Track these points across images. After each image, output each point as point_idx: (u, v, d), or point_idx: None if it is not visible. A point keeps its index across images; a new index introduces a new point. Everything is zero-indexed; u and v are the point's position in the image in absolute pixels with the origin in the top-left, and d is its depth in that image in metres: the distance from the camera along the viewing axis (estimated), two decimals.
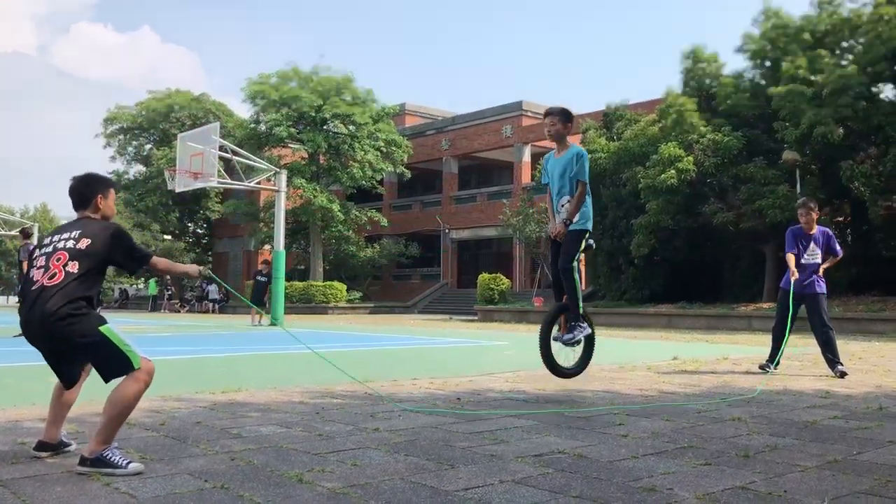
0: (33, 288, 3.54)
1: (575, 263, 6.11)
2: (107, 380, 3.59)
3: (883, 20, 20.13)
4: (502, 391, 6.41)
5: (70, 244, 3.61)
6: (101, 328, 3.52)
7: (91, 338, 3.49)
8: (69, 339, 3.49)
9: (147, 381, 3.57)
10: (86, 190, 3.85)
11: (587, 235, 6.19)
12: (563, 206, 6.21)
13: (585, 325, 6.24)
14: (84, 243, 3.61)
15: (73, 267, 3.55)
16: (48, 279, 3.51)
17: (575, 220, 6.11)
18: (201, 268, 4.37)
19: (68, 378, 3.70)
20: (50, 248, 3.63)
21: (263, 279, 21.35)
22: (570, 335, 6.14)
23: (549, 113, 6.37)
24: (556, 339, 6.19)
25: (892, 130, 19.50)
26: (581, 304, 6.23)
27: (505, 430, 4.55)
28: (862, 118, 19.82)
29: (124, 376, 3.53)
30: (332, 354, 10.01)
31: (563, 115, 6.32)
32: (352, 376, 6.47)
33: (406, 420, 4.87)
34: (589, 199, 6.19)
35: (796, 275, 7.76)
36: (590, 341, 6.33)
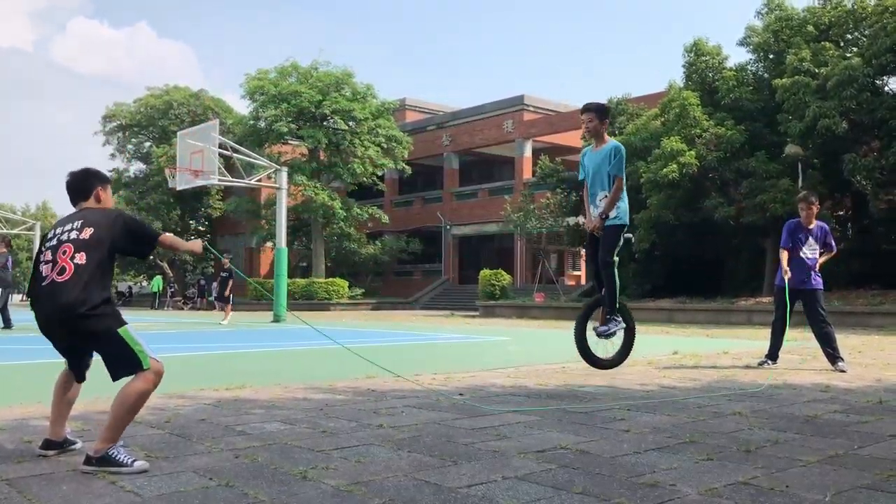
0: (43, 284, 3.54)
1: (616, 258, 6.19)
2: (115, 378, 3.62)
3: (888, 12, 20.10)
4: (504, 387, 6.43)
5: (73, 235, 3.59)
6: (120, 330, 3.55)
7: (108, 337, 3.52)
8: (87, 335, 3.53)
9: (155, 381, 3.59)
10: (85, 184, 3.85)
11: (625, 230, 6.24)
12: (600, 200, 6.25)
13: (620, 319, 6.29)
14: (87, 233, 3.59)
15: (81, 258, 3.54)
16: (57, 274, 3.51)
17: (612, 215, 6.16)
18: (203, 242, 4.54)
19: (80, 371, 3.76)
20: (55, 242, 3.62)
21: (225, 274, 21.50)
22: (605, 328, 6.19)
23: (586, 109, 6.42)
24: (593, 331, 6.25)
25: (895, 123, 19.48)
26: (618, 299, 6.28)
27: (507, 425, 4.57)
28: (866, 111, 19.80)
29: (136, 376, 3.55)
30: (334, 351, 10.04)
31: (600, 111, 6.37)
32: (387, 369, 6.50)
33: (409, 416, 4.90)
34: (625, 195, 6.24)
35: (788, 273, 7.77)
36: (630, 335, 6.39)
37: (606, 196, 6.20)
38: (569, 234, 29.61)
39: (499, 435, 4.28)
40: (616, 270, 6.23)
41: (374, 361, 6.46)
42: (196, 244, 4.42)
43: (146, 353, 3.57)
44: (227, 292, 21.27)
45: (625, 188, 6.24)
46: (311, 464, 3.56)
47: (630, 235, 6.36)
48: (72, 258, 3.53)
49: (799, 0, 23.70)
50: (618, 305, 6.30)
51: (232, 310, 21.72)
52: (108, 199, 3.93)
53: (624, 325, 6.32)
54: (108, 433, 3.46)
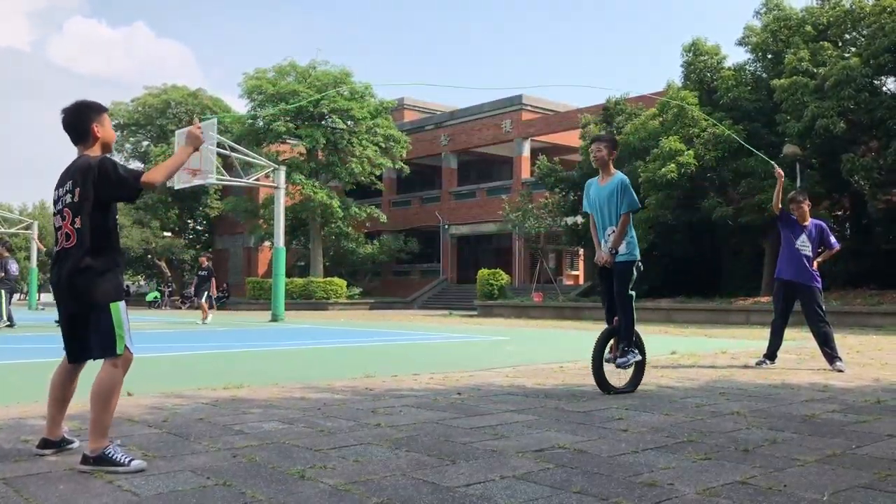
0: (57, 250, 3.66)
1: (632, 292, 6.16)
2: (94, 356, 3.64)
3: (886, 12, 20.11)
4: (502, 386, 6.43)
5: (69, 198, 3.63)
6: (112, 304, 3.58)
7: (101, 304, 3.56)
8: (84, 294, 3.55)
9: (125, 369, 3.62)
10: (79, 121, 3.78)
11: (636, 263, 6.21)
12: (609, 235, 6.22)
13: (637, 350, 6.28)
14: (77, 194, 3.62)
15: (78, 222, 3.59)
16: (65, 241, 3.61)
17: (622, 250, 6.13)
18: (194, 131, 3.89)
19: (79, 348, 3.70)
20: (60, 205, 3.68)
21: (204, 273, 21.43)
22: (624, 360, 6.16)
23: (596, 139, 6.42)
24: (608, 362, 6.22)
25: (893, 123, 19.49)
26: (635, 331, 6.27)
27: (505, 425, 4.57)
28: (864, 111, 19.81)
29: (103, 364, 3.57)
30: (332, 350, 10.04)
31: (610, 143, 6.36)
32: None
33: (407, 415, 4.89)
34: (632, 227, 6.22)
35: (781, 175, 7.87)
36: (642, 364, 6.40)
37: (615, 230, 6.17)
38: (567, 234, 29.61)
39: (497, 434, 4.28)
40: (633, 304, 6.23)
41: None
42: (185, 150, 3.84)
43: (124, 340, 3.59)
44: (210, 292, 21.31)
45: (631, 222, 6.21)
46: (308, 463, 3.56)
47: (640, 265, 6.30)
48: (72, 223, 3.59)
49: (797, 0, 23.75)
50: (634, 337, 6.29)
51: (224, 309, 21.70)
52: (107, 130, 3.86)
53: (640, 356, 6.31)
54: (97, 429, 3.46)
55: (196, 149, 3.88)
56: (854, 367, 7.94)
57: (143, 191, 3.75)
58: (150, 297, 42.46)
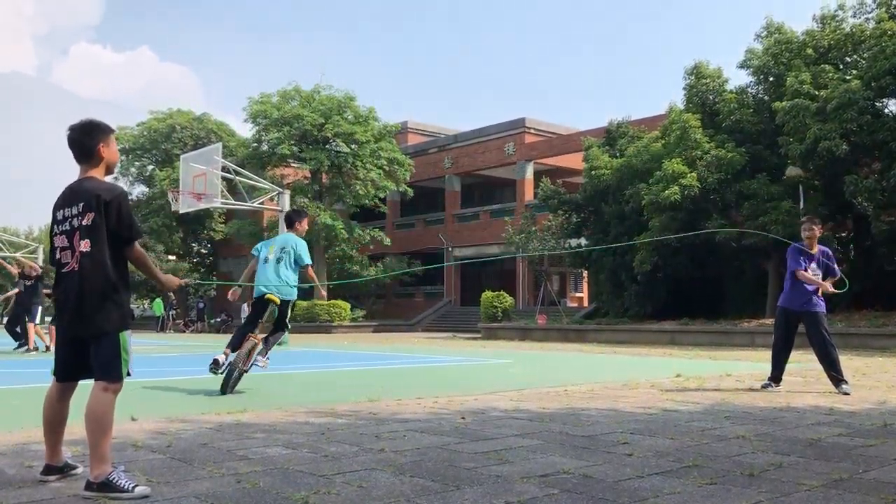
0: (64, 271, 3.64)
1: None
2: (95, 376, 3.62)
3: (886, 35, 20.22)
4: (507, 410, 6.41)
5: (78, 221, 3.63)
6: (121, 334, 3.61)
7: (108, 336, 3.58)
8: (92, 320, 3.55)
9: (117, 393, 3.64)
10: (86, 139, 3.79)
11: None
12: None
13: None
14: (89, 217, 3.61)
15: (86, 245, 3.59)
16: (76, 262, 3.60)
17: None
18: (183, 281, 4.31)
19: (76, 367, 3.68)
20: (67, 226, 3.66)
21: (30, 283, 15.90)
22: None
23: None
24: None
25: (895, 145, 19.54)
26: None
27: (510, 449, 4.55)
28: (866, 133, 19.86)
29: (94, 388, 3.57)
30: (336, 374, 10.02)
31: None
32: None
33: (411, 440, 4.88)
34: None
35: (827, 287, 7.78)
36: None
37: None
38: (570, 256, 29.60)
39: (501, 459, 4.26)
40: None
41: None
42: (171, 280, 4.18)
43: (128, 365, 3.62)
44: (37, 310, 15.71)
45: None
46: (312, 488, 3.55)
47: None
48: (80, 245, 3.60)
49: (798, 23, 23.89)
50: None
51: (229, 332, 21.35)
52: (112, 151, 3.88)
53: None
54: (98, 454, 3.46)
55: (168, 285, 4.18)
56: (860, 390, 7.90)
57: (129, 246, 3.74)
58: (156, 311, 42.15)
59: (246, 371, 7.94)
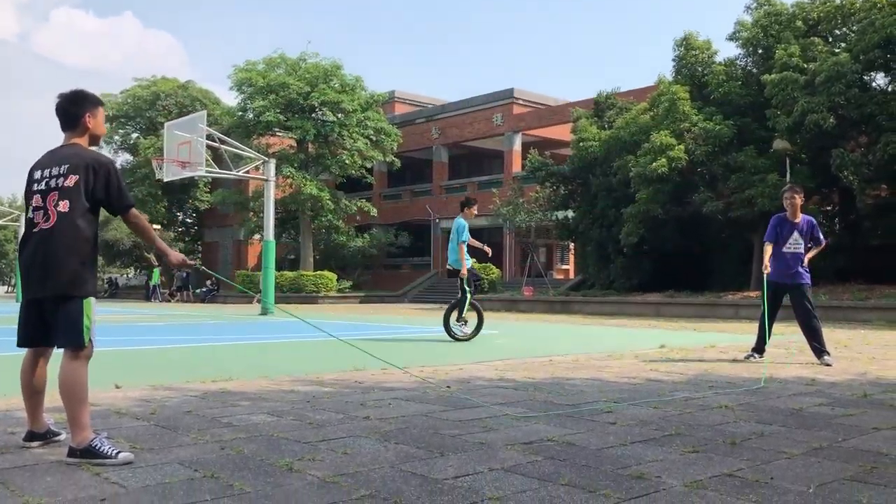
0: (34, 230, 3.56)
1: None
2: (57, 344, 3.59)
3: (876, 8, 20.18)
4: (492, 379, 6.44)
5: (59, 182, 3.57)
6: (85, 300, 3.55)
7: (75, 298, 3.52)
8: (59, 291, 3.50)
9: (87, 361, 3.59)
10: (73, 108, 3.76)
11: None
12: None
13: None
14: (72, 180, 3.56)
15: (64, 206, 3.53)
16: (44, 222, 3.53)
17: None
18: (189, 261, 4.20)
19: (39, 334, 3.62)
20: (44, 186, 3.59)
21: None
22: None
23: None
24: None
25: (883, 119, 19.57)
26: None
27: (494, 417, 4.57)
28: (854, 106, 19.88)
29: (64, 358, 3.54)
30: (323, 344, 10.03)
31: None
32: (387, 361, 6.47)
33: (396, 408, 4.89)
34: None
35: (768, 269, 7.81)
36: None
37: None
38: (557, 228, 29.63)
39: (485, 427, 4.28)
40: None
41: (366, 350, 6.45)
42: (179, 257, 4.08)
43: (90, 332, 3.56)
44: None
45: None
46: (297, 455, 3.55)
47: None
48: (56, 205, 3.53)
49: None
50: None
51: (213, 302, 21.14)
52: (99, 123, 3.85)
53: None
54: (76, 422, 3.44)
55: (170, 259, 4.05)
56: (842, 362, 7.98)
57: (123, 214, 3.71)
58: (154, 280, 41.68)
59: (456, 337, 10.72)
